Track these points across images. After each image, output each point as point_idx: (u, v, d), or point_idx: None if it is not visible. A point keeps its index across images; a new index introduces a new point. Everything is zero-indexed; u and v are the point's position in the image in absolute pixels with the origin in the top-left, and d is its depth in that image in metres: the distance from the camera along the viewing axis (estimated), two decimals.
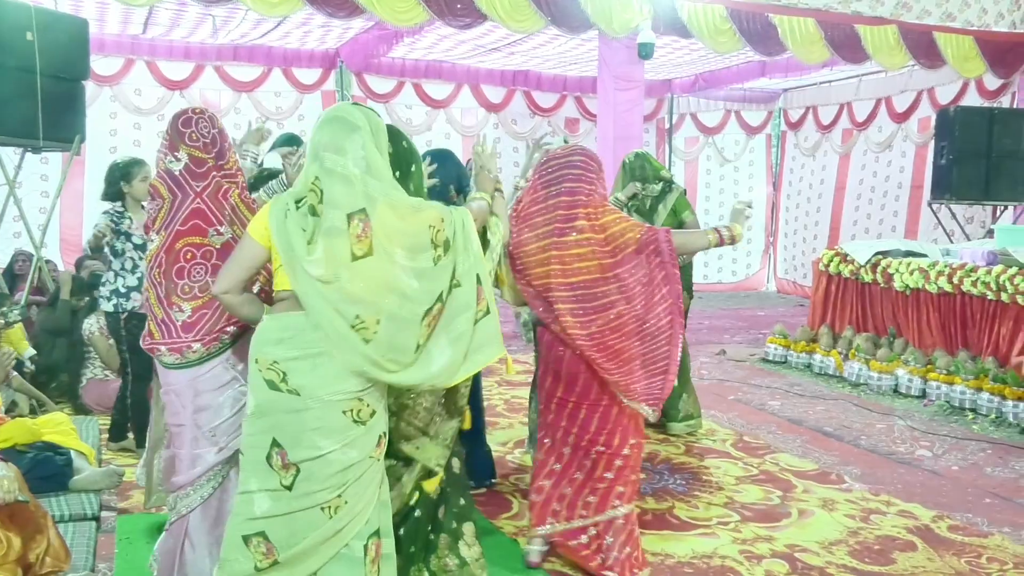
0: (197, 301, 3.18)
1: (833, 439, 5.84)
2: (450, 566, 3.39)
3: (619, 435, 3.72)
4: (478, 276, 2.92)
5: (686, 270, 5.88)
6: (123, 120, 11.03)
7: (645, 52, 8.06)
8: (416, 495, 3.34)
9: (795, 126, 13.74)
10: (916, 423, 6.22)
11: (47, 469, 4.38)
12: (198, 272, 3.19)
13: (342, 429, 2.77)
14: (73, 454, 4.61)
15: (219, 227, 3.21)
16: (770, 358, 8.31)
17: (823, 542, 4.11)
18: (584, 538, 3.74)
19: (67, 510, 4.18)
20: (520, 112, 12.92)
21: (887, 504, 4.62)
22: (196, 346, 3.17)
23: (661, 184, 5.84)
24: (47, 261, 8.15)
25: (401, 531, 3.32)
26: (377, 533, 2.93)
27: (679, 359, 3.70)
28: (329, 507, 2.79)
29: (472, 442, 4.54)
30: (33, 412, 5.52)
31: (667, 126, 13.79)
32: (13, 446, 4.36)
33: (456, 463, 3.50)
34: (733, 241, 3.77)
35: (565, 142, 4.32)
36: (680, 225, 5.87)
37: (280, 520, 2.79)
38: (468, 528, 3.47)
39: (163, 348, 3.23)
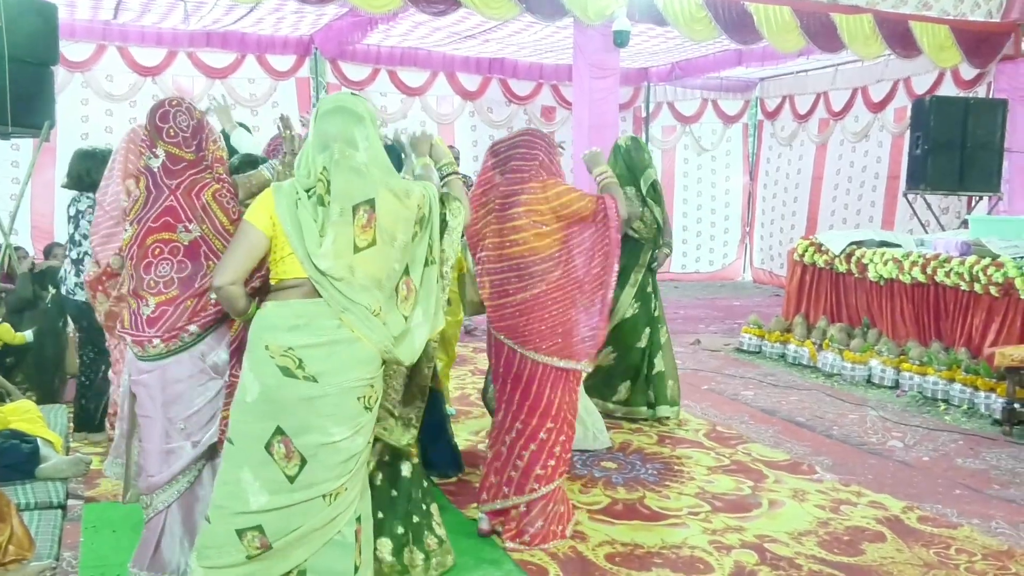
0: (161, 296, 3.20)
1: (805, 429, 5.85)
2: (431, 546, 3.52)
3: (537, 417, 3.89)
4: None
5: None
6: (95, 106, 10.87)
7: (620, 40, 8.02)
8: (379, 475, 3.45)
9: (772, 115, 13.74)
10: (888, 414, 6.24)
11: (13, 457, 4.34)
12: (164, 267, 3.21)
13: (354, 416, 2.83)
14: (40, 442, 4.56)
15: (188, 224, 3.22)
16: (744, 348, 8.32)
17: (793, 532, 4.10)
18: (512, 514, 3.94)
19: (33, 498, 4.14)
20: (496, 100, 12.82)
21: (857, 495, 4.62)
22: (156, 341, 3.19)
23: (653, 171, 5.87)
24: (17, 248, 8.04)
25: (379, 514, 3.38)
26: (359, 518, 2.97)
27: (611, 301, 3.96)
28: (330, 495, 2.81)
29: (435, 435, 4.56)
30: (1, 400, 5.44)
31: (644, 115, 13.75)
32: None
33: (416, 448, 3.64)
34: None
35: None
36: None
37: (280, 513, 2.78)
38: (435, 508, 3.63)
39: (128, 338, 3.27)
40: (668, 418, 5.87)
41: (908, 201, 10.02)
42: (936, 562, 3.82)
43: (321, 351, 2.75)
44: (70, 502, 4.23)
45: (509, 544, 3.87)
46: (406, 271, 2.92)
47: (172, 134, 3.25)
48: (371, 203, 2.78)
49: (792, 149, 13.43)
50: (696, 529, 4.12)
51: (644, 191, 5.71)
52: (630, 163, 5.77)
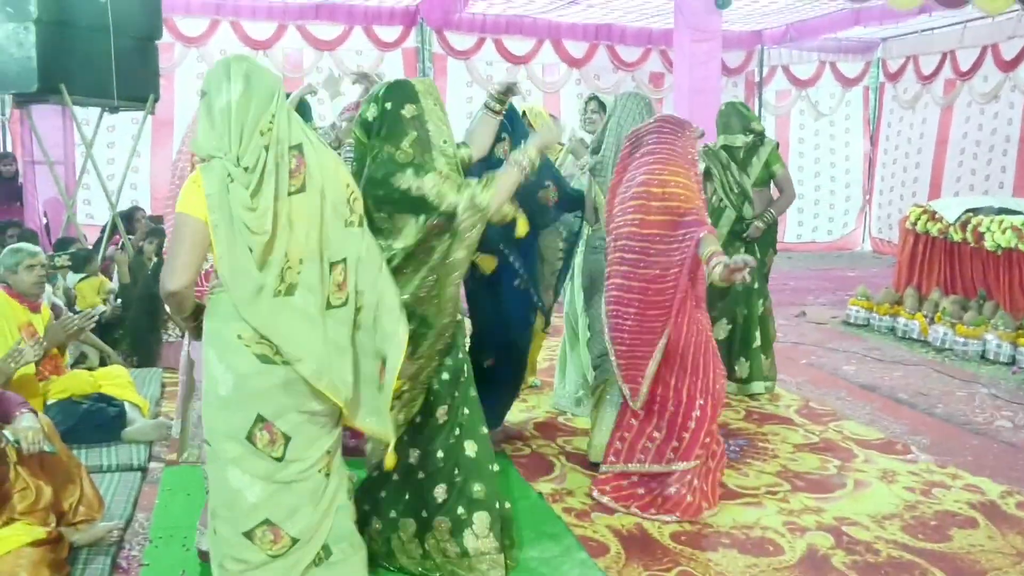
0: None
1: (906, 407, 5.55)
2: (449, 552, 3.24)
3: (661, 386, 3.87)
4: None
5: (771, 227, 5.73)
6: None
7: (722, 2, 7.73)
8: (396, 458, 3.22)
9: (894, 77, 13.06)
10: (1000, 392, 5.85)
11: (99, 419, 4.55)
12: None
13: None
14: (127, 406, 4.76)
15: None
16: (852, 321, 7.95)
17: (875, 516, 3.88)
18: (641, 490, 3.92)
19: (115, 460, 4.34)
20: (603, 67, 12.56)
21: (953, 477, 4.35)
22: None
23: (752, 136, 5.65)
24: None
25: (383, 493, 3.30)
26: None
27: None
28: (324, 469, 2.77)
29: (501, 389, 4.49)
30: (104, 365, 5.67)
31: (757, 79, 13.26)
32: (70, 397, 4.52)
33: (471, 446, 3.32)
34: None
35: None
36: (771, 177, 5.76)
37: (279, 498, 2.71)
38: (481, 518, 3.24)
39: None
40: (760, 394, 5.68)
41: None
42: None
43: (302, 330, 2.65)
44: (152, 465, 4.38)
45: (635, 509, 3.88)
46: (344, 261, 2.73)
47: None
48: (299, 148, 2.63)
49: (915, 112, 12.75)
50: (772, 509, 3.95)
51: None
52: (723, 128, 5.70)
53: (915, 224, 7.96)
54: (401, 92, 3.15)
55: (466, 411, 3.34)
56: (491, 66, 12.14)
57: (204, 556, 3.37)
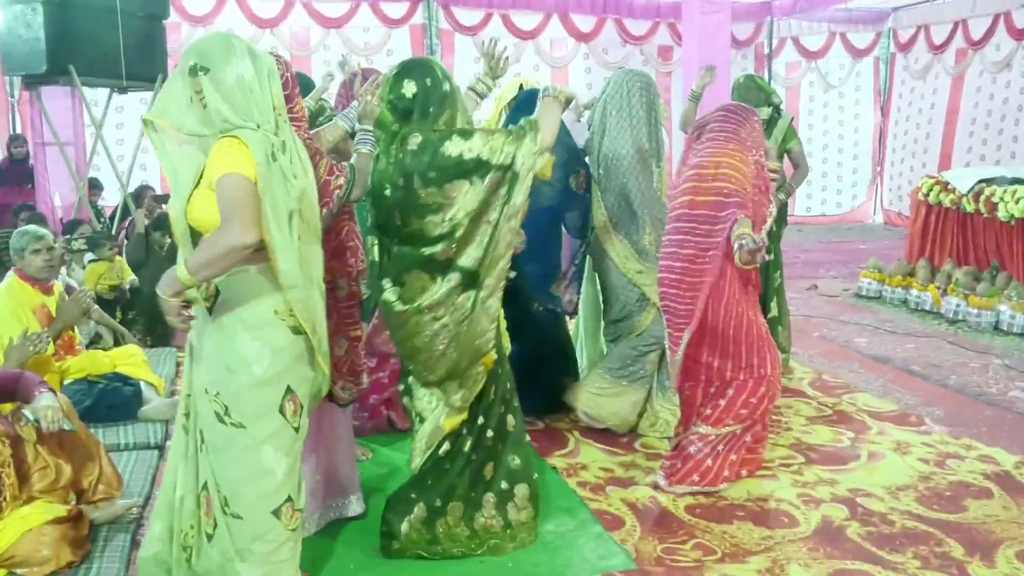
0: None
1: (919, 378, 5.54)
2: (494, 527, 3.30)
3: (694, 363, 3.86)
4: None
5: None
6: None
7: None
8: (446, 445, 3.24)
9: (905, 47, 12.94)
10: (1014, 362, 5.84)
11: (115, 398, 4.57)
12: None
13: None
14: (143, 385, 4.78)
15: None
16: (863, 293, 7.93)
17: (890, 487, 3.89)
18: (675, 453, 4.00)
19: (132, 439, 4.37)
20: (611, 41, 12.48)
21: (967, 448, 4.35)
22: None
23: (771, 109, 5.61)
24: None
25: (429, 481, 3.26)
26: None
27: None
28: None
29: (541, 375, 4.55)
30: (117, 344, 5.69)
31: (766, 51, 13.17)
32: (86, 376, 4.55)
33: (511, 420, 3.36)
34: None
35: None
36: (786, 152, 5.71)
37: (293, 472, 2.76)
38: (521, 490, 3.35)
39: None
40: None
41: None
42: None
43: (316, 303, 2.74)
44: (169, 443, 4.39)
45: (663, 483, 3.88)
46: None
47: None
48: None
49: (926, 83, 12.64)
50: (786, 482, 3.96)
51: None
52: (744, 100, 5.58)
53: (927, 195, 7.92)
54: (436, 69, 3.10)
55: (508, 385, 3.36)
56: (498, 42, 12.04)
57: None
